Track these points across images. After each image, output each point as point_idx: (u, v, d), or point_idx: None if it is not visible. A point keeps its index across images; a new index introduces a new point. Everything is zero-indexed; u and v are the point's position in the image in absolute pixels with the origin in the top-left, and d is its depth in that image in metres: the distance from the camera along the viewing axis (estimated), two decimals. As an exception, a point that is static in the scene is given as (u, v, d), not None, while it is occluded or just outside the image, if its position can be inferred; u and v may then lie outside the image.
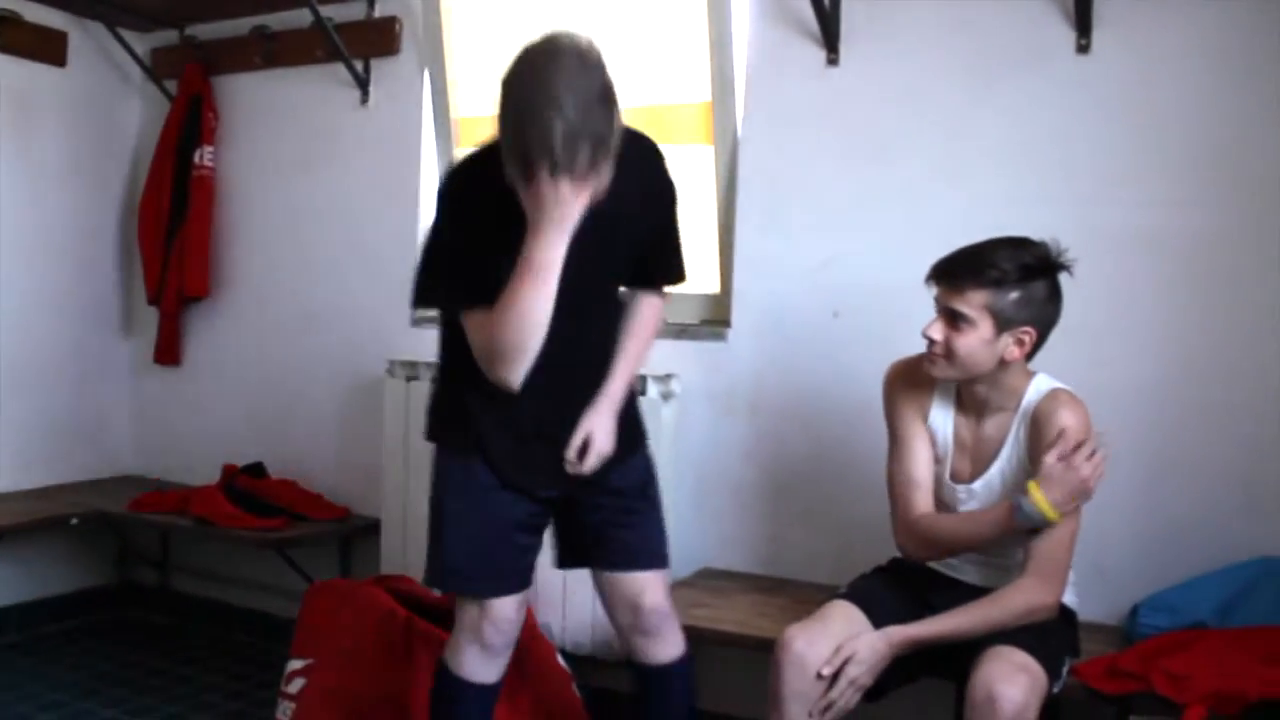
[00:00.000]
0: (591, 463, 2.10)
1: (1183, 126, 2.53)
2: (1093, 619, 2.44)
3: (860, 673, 2.11)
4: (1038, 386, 2.21)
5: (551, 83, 1.78)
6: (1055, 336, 2.38)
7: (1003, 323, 2.12)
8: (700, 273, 3.15)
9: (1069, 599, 2.23)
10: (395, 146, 3.58)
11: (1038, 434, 2.15)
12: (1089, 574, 2.34)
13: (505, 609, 2.15)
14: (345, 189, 3.68)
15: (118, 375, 4.16)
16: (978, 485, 2.25)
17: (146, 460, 4.16)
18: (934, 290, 2.20)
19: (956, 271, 2.16)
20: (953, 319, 2.15)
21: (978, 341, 2.14)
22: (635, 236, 2.13)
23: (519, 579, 2.17)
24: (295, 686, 2.78)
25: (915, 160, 2.80)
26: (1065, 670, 2.14)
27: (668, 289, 2.27)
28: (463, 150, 3.50)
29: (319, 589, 2.98)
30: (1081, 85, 2.62)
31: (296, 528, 3.43)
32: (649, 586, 2.19)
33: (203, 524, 3.45)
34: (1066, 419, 2.12)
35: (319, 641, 2.78)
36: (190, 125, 3.88)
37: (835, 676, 2.10)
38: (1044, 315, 2.15)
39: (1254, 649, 2.06)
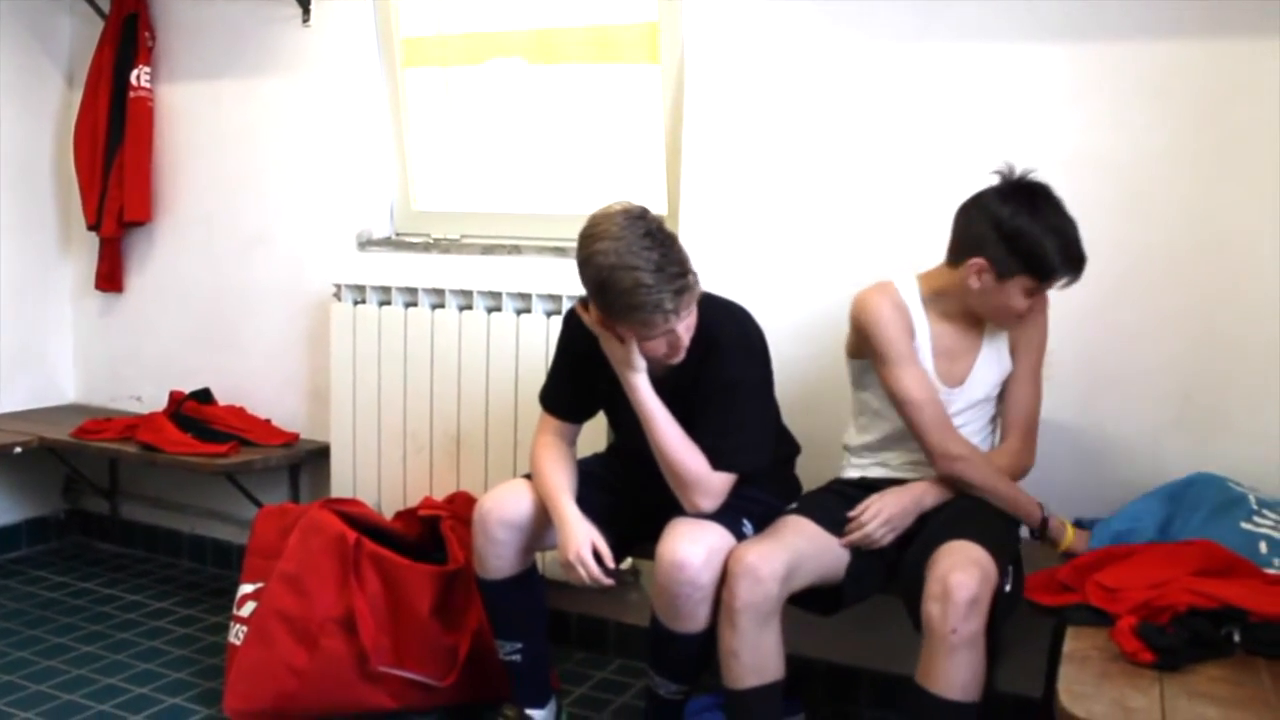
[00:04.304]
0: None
1: (1124, 47, 2.53)
2: (1035, 534, 2.49)
3: (885, 504, 2.32)
4: None
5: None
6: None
7: None
8: (648, 195, 3.15)
9: None
10: (338, 67, 3.50)
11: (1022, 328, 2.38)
12: (1032, 491, 2.39)
13: None
14: (287, 110, 3.61)
15: (58, 302, 4.09)
16: (966, 384, 2.39)
17: (91, 388, 4.11)
18: (1056, 279, 2.27)
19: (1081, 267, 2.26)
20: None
21: None
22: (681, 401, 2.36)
23: None
24: (247, 610, 2.79)
25: (866, 79, 2.78)
26: (1010, 570, 2.21)
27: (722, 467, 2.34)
28: (408, 70, 3.45)
29: (269, 513, 2.97)
30: (1027, 5, 2.60)
31: (245, 453, 3.41)
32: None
33: (151, 451, 3.43)
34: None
35: (270, 565, 2.78)
36: (125, 45, 3.77)
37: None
38: None
39: (1186, 562, 2.10)
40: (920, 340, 2.38)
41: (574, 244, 2.29)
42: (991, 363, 2.40)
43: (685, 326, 2.26)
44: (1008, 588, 2.16)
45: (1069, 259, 2.22)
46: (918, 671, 2.07)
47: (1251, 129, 2.44)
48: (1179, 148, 2.50)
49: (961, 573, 2.02)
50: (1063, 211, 2.23)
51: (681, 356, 2.30)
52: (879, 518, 2.30)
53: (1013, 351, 2.41)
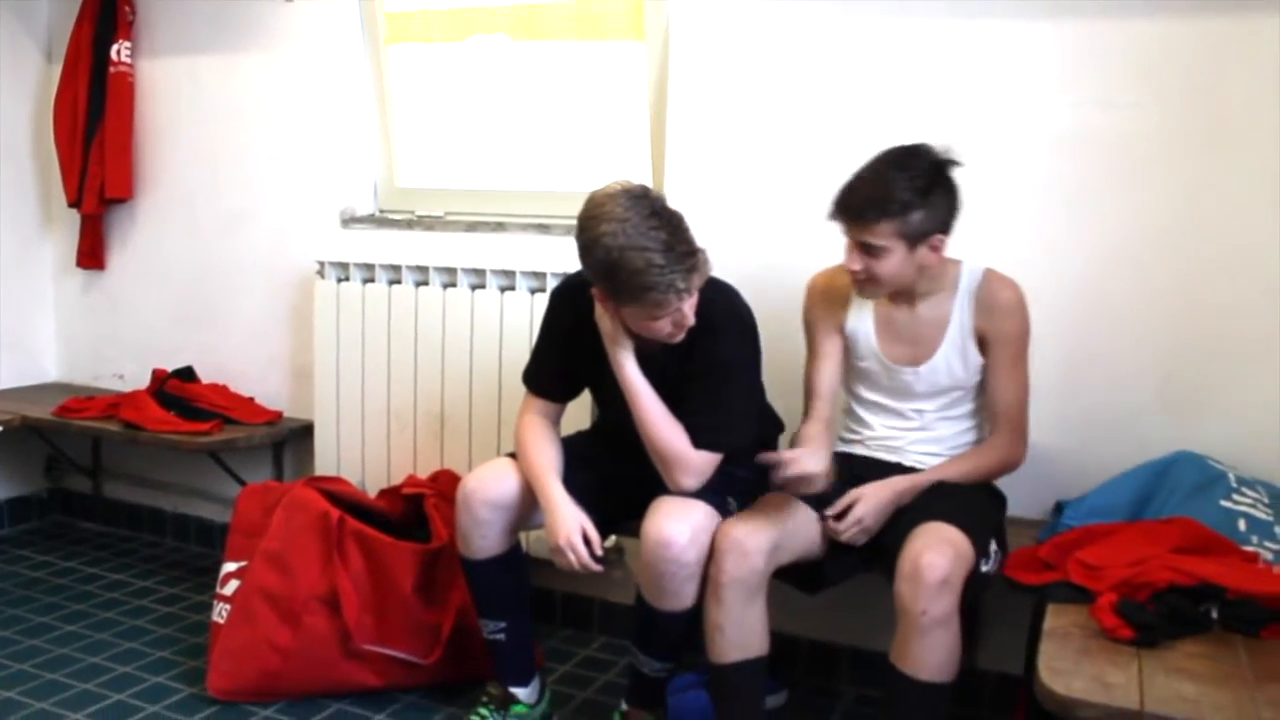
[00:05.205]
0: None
1: (1113, 25, 2.53)
2: (1016, 513, 2.50)
3: (866, 511, 2.26)
4: (970, 269, 2.34)
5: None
6: (978, 234, 2.42)
7: (914, 240, 2.22)
8: (633, 171, 3.13)
9: (1000, 483, 2.39)
10: (320, 42, 3.47)
11: (988, 314, 2.33)
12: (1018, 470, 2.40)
13: None
14: (270, 86, 3.58)
15: (39, 280, 4.06)
16: (924, 369, 2.37)
17: (72, 366, 4.09)
18: (840, 225, 2.25)
19: (860, 209, 2.21)
20: (867, 249, 2.23)
21: (896, 264, 2.24)
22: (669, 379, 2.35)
23: None
24: (230, 588, 2.78)
25: (852, 56, 2.77)
26: (994, 550, 2.22)
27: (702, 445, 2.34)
28: (391, 46, 3.42)
29: (252, 491, 2.97)
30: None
31: (229, 431, 3.40)
32: None
33: (133, 429, 3.41)
34: (1010, 296, 2.33)
35: (253, 543, 2.77)
36: (105, 19, 3.73)
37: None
38: (949, 217, 2.25)
39: (1166, 540, 2.12)
40: (859, 320, 2.42)
41: (558, 220, 2.28)
42: (954, 350, 2.36)
43: (691, 305, 2.24)
44: (984, 567, 2.17)
45: (840, 195, 2.23)
46: (892, 651, 2.08)
47: (1240, 108, 2.44)
48: (1167, 127, 2.50)
49: (933, 553, 2.02)
50: (895, 164, 2.21)
51: (683, 335, 2.29)
52: (852, 518, 2.27)
53: (983, 344, 2.36)
